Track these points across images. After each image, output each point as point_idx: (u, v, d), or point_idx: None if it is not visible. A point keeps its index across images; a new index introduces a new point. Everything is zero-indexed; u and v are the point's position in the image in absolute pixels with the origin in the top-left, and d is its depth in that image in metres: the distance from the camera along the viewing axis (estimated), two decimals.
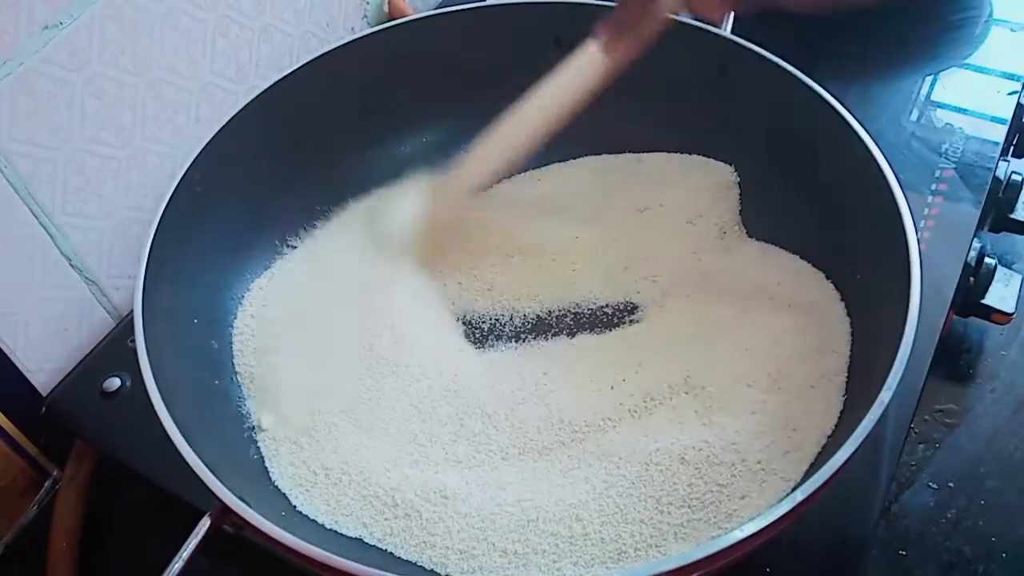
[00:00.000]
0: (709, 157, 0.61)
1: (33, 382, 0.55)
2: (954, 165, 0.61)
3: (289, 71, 0.57)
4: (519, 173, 0.62)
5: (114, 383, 0.54)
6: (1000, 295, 0.56)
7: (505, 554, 0.43)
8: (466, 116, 0.63)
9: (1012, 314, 0.56)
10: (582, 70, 0.53)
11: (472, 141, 0.56)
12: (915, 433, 0.55)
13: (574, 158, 0.63)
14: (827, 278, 0.52)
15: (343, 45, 0.59)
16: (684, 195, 0.59)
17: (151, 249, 0.48)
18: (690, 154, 0.61)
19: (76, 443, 0.55)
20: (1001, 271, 0.57)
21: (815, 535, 0.46)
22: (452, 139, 0.63)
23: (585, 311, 0.55)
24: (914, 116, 0.64)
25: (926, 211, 0.58)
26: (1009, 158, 0.64)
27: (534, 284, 0.56)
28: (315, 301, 0.55)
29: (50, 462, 0.56)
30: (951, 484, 0.53)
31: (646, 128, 0.61)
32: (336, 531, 0.45)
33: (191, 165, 0.52)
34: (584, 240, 0.58)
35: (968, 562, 0.50)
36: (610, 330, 0.54)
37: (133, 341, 0.44)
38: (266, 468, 0.48)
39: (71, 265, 0.56)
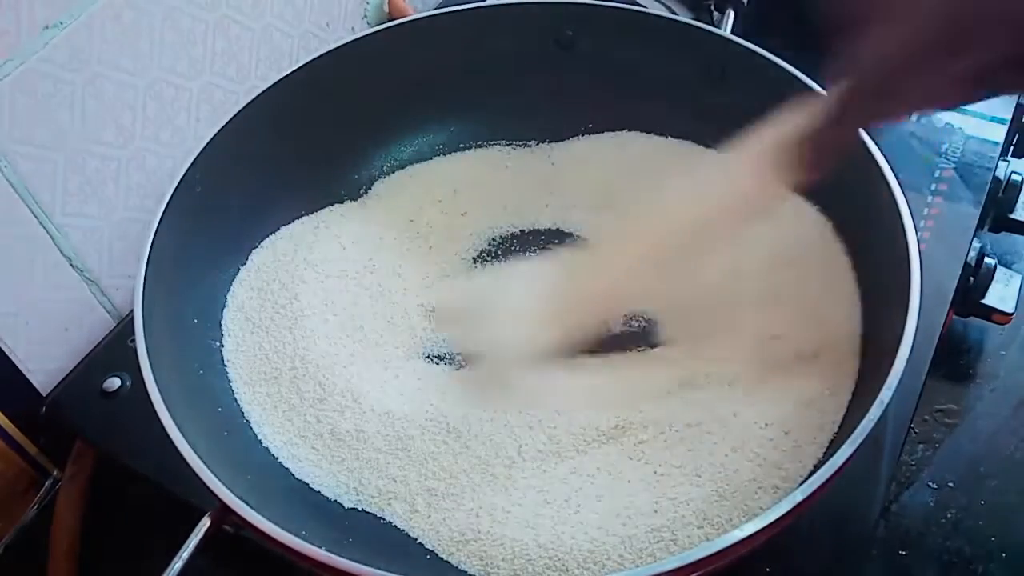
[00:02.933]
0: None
1: (33, 382, 0.55)
2: (954, 165, 0.61)
3: (289, 71, 0.57)
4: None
5: (114, 383, 0.54)
6: (1000, 295, 0.57)
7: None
8: (466, 116, 0.63)
9: (1012, 314, 0.56)
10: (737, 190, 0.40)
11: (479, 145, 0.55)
12: (915, 433, 0.55)
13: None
14: None
15: (343, 45, 0.59)
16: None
17: (151, 249, 0.48)
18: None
19: (76, 443, 0.55)
20: (1001, 271, 0.57)
21: (815, 535, 0.46)
22: (452, 139, 0.63)
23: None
24: (914, 116, 0.64)
25: (926, 211, 0.58)
26: (1009, 158, 0.64)
27: None
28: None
29: (50, 462, 0.57)
30: (951, 484, 0.53)
31: (639, 123, 0.62)
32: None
33: (191, 165, 0.52)
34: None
35: (968, 562, 0.50)
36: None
37: (133, 341, 0.44)
38: (268, 465, 0.48)
39: (71, 265, 0.56)
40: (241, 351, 0.52)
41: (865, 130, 0.36)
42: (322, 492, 0.47)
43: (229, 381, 0.51)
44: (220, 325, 0.53)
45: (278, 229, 0.58)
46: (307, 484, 0.48)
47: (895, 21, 0.30)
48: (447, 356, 0.54)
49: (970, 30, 0.28)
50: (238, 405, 0.50)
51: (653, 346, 0.53)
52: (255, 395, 0.51)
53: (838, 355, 0.48)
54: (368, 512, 0.47)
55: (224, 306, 0.54)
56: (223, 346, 0.52)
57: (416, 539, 0.45)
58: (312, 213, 0.60)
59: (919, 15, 0.29)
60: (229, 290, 0.55)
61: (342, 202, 0.61)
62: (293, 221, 0.59)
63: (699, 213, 0.43)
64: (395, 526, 0.46)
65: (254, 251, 0.57)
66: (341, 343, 0.53)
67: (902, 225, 0.45)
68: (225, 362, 0.52)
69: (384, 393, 0.50)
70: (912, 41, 0.29)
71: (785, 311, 0.51)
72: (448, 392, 0.51)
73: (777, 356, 0.49)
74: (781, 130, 0.37)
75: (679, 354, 0.51)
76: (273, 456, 0.48)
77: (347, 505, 0.47)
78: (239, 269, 0.56)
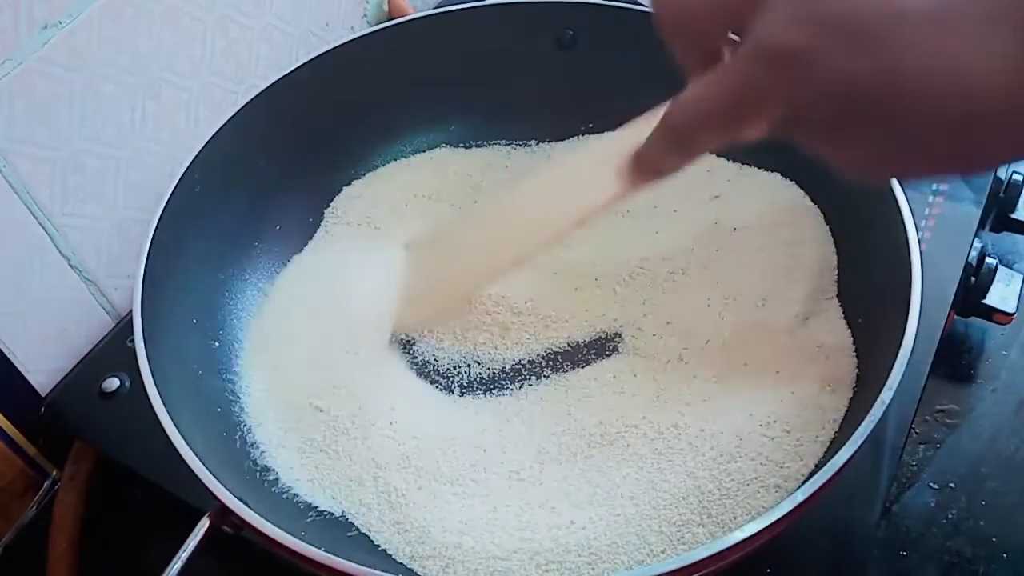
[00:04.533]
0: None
1: (32, 382, 0.55)
2: None
3: (288, 71, 0.57)
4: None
5: (113, 383, 0.54)
6: (1001, 295, 0.56)
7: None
8: (466, 116, 0.63)
9: (1013, 314, 0.56)
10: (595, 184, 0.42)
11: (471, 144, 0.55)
12: (916, 433, 0.55)
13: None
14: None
15: (342, 44, 0.59)
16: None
17: (150, 249, 0.48)
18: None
19: (75, 443, 0.55)
20: (1002, 271, 0.57)
21: (816, 536, 0.46)
22: (452, 138, 0.63)
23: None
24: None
25: (927, 211, 0.58)
26: None
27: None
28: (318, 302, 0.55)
29: (49, 462, 0.56)
30: (952, 484, 0.53)
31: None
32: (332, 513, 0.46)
33: (190, 165, 0.52)
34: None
35: (969, 562, 0.50)
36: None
37: (132, 341, 0.44)
38: (267, 466, 0.48)
39: (70, 265, 0.56)
40: (258, 370, 0.53)
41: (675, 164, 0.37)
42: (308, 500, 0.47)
43: (229, 382, 0.51)
44: (220, 326, 0.53)
45: (278, 227, 0.58)
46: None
47: (704, 79, 0.32)
48: (445, 373, 0.53)
49: (761, 96, 0.30)
50: (240, 405, 0.50)
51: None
52: (259, 398, 0.51)
53: (838, 353, 0.48)
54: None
55: (231, 313, 0.54)
56: (219, 347, 0.52)
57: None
58: (316, 217, 0.60)
59: (722, 77, 0.31)
60: (234, 295, 0.55)
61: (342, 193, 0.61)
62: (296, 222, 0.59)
63: (554, 217, 0.46)
64: None
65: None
66: (352, 362, 0.52)
67: (903, 225, 0.45)
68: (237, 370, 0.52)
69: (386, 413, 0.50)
70: (707, 99, 0.32)
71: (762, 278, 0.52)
72: (445, 413, 0.51)
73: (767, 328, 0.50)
74: (621, 141, 0.40)
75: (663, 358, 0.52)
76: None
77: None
78: (244, 272, 0.56)
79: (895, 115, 0.28)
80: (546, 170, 0.46)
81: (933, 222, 0.57)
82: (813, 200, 0.55)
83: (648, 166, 0.38)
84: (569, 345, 0.54)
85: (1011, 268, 0.57)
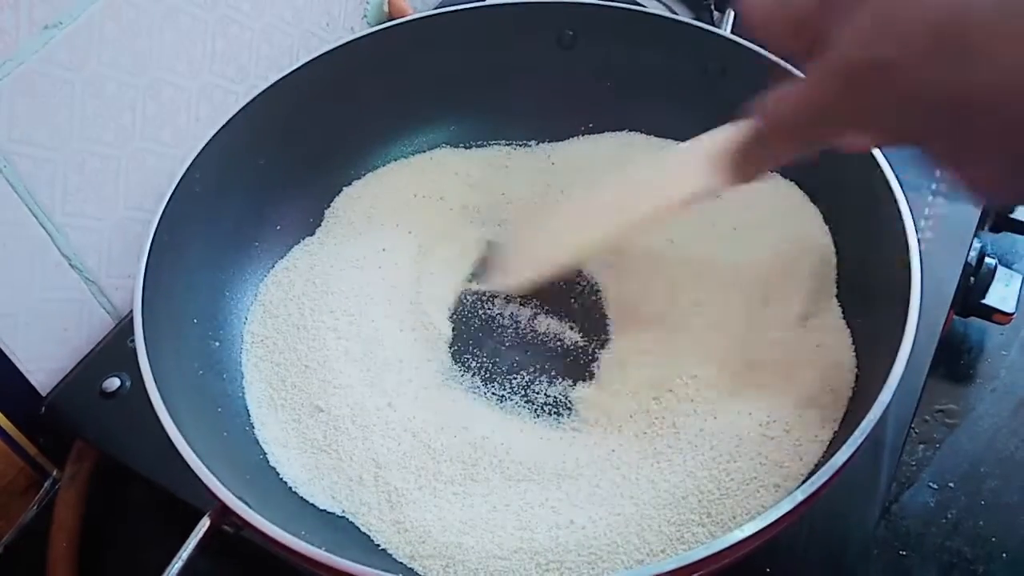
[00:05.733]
0: None
1: (32, 382, 0.55)
2: None
3: (289, 71, 0.57)
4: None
5: (114, 383, 0.54)
6: (1000, 295, 0.57)
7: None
8: (466, 116, 0.63)
9: (1012, 314, 0.56)
10: (684, 176, 0.44)
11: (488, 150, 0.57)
12: (915, 433, 0.55)
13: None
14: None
15: (343, 45, 0.59)
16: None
17: (151, 249, 0.48)
18: None
19: (76, 443, 0.55)
20: (1001, 271, 0.57)
21: (815, 535, 0.46)
22: (452, 139, 0.63)
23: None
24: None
25: (927, 211, 0.58)
26: None
27: None
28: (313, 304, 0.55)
29: (50, 462, 0.56)
30: (951, 484, 0.53)
31: (639, 123, 0.62)
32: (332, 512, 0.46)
33: (191, 165, 0.52)
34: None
35: (968, 562, 0.50)
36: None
37: (133, 341, 0.44)
38: (268, 466, 0.48)
39: (71, 265, 0.56)
40: (259, 369, 0.53)
41: (775, 162, 0.37)
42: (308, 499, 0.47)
43: (230, 382, 0.51)
44: (220, 326, 0.53)
45: (278, 227, 0.58)
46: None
47: (807, 77, 0.31)
48: (446, 373, 0.53)
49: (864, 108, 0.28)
50: (241, 405, 0.51)
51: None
52: (261, 397, 0.51)
53: (838, 353, 0.48)
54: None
55: (231, 313, 0.54)
56: (220, 346, 0.53)
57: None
58: (316, 217, 0.60)
59: (824, 76, 0.30)
60: (234, 295, 0.55)
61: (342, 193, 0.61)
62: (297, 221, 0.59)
63: (645, 200, 0.47)
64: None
65: (273, 266, 0.57)
66: (353, 361, 0.52)
67: (903, 225, 0.45)
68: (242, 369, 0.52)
69: (391, 413, 0.50)
70: (808, 100, 0.31)
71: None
72: (446, 413, 0.50)
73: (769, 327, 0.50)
74: (720, 139, 0.41)
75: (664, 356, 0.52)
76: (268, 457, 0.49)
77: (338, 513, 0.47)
78: (244, 272, 0.56)
79: (1016, 131, 0.25)
80: (650, 159, 0.49)
81: (933, 222, 0.57)
82: (813, 200, 0.55)
83: (736, 166, 0.37)
84: (566, 345, 0.54)
85: (1011, 268, 0.58)
